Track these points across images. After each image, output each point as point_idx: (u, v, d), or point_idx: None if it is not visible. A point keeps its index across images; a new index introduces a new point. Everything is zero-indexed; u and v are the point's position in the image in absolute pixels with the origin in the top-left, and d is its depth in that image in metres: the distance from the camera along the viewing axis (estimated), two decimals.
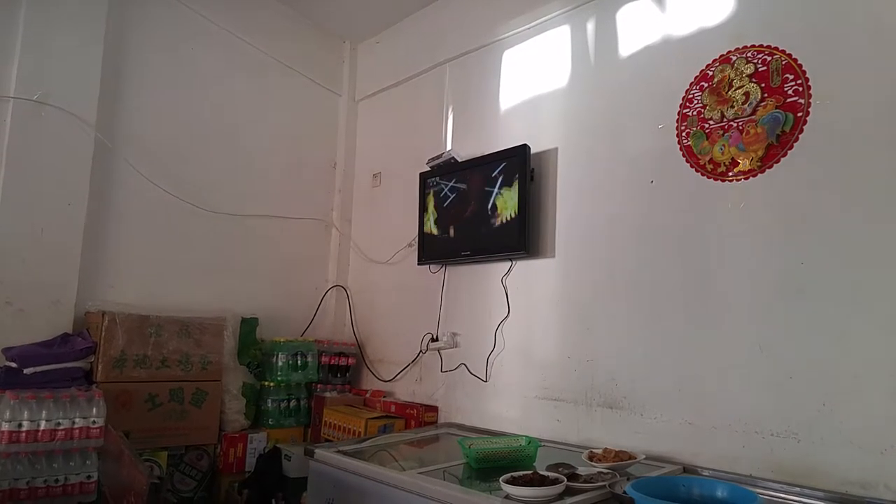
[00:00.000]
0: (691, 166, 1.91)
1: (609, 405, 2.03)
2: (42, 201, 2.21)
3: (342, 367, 2.98)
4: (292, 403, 2.74)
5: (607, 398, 2.04)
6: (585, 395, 2.11)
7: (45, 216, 2.21)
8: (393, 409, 2.63)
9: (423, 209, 2.75)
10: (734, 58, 1.85)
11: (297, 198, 3.17)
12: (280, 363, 2.71)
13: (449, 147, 2.80)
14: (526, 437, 1.96)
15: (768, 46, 1.78)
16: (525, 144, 2.34)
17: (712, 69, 1.90)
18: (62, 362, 2.06)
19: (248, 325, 2.75)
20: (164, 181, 2.61)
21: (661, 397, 1.91)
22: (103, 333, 2.16)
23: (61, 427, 1.77)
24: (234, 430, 2.49)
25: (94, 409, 1.84)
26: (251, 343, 2.74)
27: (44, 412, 1.76)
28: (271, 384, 2.69)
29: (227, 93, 2.91)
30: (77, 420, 1.80)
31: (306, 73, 3.25)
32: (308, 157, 3.26)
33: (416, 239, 2.78)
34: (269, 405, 2.67)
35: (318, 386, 2.84)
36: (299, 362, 2.75)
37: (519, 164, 2.33)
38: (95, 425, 1.83)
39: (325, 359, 2.90)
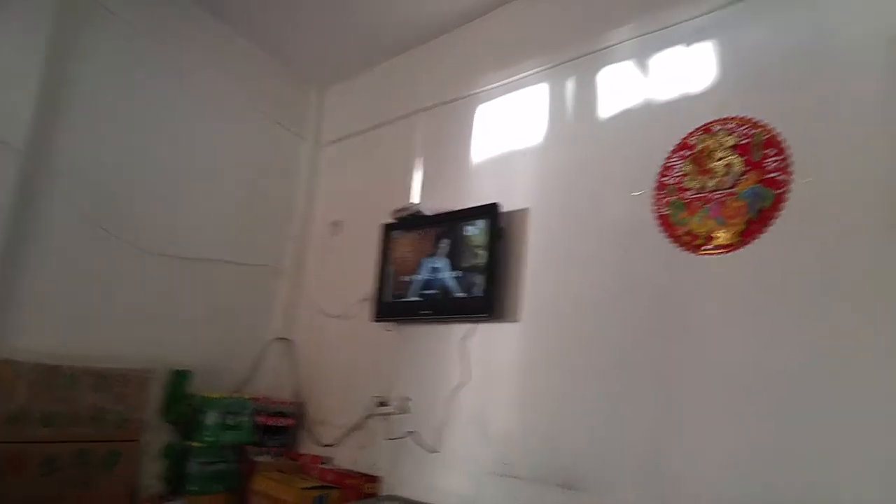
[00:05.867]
0: (667, 236, 1.84)
1: (568, 485, 1.86)
2: None
3: (280, 427, 2.71)
4: (220, 466, 2.45)
5: (567, 477, 1.87)
6: (545, 472, 1.93)
7: None
8: (330, 477, 2.38)
9: (383, 262, 2.59)
10: (716, 128, 1.80)
11: (247, 242, 2.97)
12: (211, 421, 2.44)
13: (416, 199, 2.69)
14: None
15: (750, 119, 1.74)
16: (495, 203, 2.24)
17: (694, 138, 1.85)
18: None
19: (180, 378, 2.48)
20: (101, 217, 2.37)
21: (626, 479, 1.74)
22: None
23: None
24: (148, 498, 2.18)
25: None
26: (181, 398, 2.46)
27: None
28: (199, 445, 2.40)
29: (181, 128, 2.73)
30: None
31: (269, 113, 3.12)
32: (264, 200, 3.08)
33: (373, 293, 2.61)
34: (194, 468, 2.38)
35: (251, 448, 2.57)
36: (232, 421, 2.49)
37: (488, 223, 2.23)
38: None
39: (261, 418, 2.64)
